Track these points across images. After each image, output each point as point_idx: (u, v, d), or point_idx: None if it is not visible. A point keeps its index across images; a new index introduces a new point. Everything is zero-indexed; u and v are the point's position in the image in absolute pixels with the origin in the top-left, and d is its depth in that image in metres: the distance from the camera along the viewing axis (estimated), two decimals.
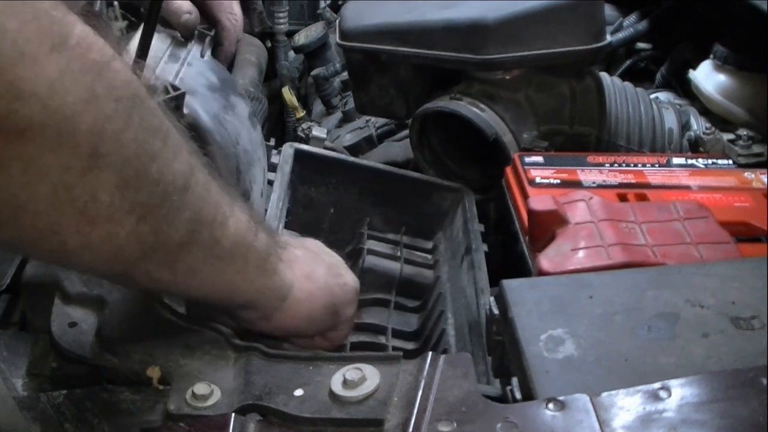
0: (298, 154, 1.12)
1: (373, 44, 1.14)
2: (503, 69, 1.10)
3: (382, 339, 0.99)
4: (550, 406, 0.56)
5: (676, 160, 1.03)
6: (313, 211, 1.14)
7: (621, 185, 0.97)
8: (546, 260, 0.80)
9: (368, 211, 1.14)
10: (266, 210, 1.03)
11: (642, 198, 0.94)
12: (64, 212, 0.54)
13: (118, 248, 0.58)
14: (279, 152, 1.13)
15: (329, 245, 1.02)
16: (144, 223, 0.58)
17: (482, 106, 1.08)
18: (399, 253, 1.09)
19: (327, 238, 1.10)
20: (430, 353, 0.65)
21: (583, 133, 1.14)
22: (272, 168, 1.10)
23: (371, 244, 1.09)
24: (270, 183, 1.08)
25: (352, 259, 1.08)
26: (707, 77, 1.13)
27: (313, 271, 0.79)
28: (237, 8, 1.36)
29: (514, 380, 0.64)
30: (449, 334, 0.94)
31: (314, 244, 0.86)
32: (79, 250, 0.57)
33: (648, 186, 0.97)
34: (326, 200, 1.15)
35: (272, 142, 1.19)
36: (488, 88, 1.11)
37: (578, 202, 0.86)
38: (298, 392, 0.64)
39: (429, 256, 1.10)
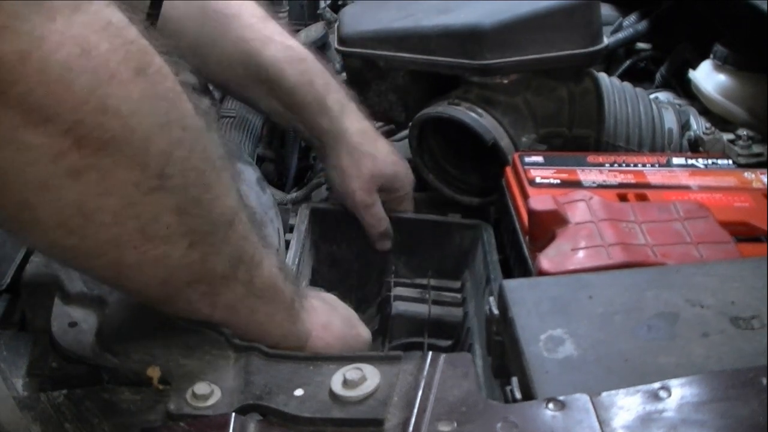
0: (315, 213, 1.14)
1: (371, 50, 1.14)
2: (500, 74, 1.09)
3: None
4: (550, 405, 0.56)
5: (676, 160, 1.03)
6: (339, 268, 1.17)
7: (621, 185, 0.97)
8: (546, 260, 0.80)
9: (392, 260, 1.16)
10: None
11: (642, 198, 0.93)
12: (127, 226, 0.57)
13: (169, 271, 0.63)
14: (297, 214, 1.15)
15: (358, 300, 1.13)
16: (194, 249, 0.62)
17: (480, 110, 1.08)
18: (427, 296, 1.10)
19: (355, 293, 1.16)
20: (430, 353, 0.65)
21: (582, 136, 1.14)
22: (292, 229, 1.11)
23: (398, 291, 1.11)
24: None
25: (381, 308, 1.10)
26: (707, 77, 1.12)
27: (330, 321, 0.84)
28: None
29: (514, 380, 0.64)
30: (478, 365, 0.94)
31: (330, 297, 0.91)
32: (134, 267, 0.61)
33: (648, 186, 0.97)
34: (350, 255, 1.17)
35: (289, 204, 1.21)
36: (486, 93, 1.11)
37: (578, 202, 0.86)
38: (298, 392, 0.64)
39: (458, 295, 1.11)
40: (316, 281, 1.12)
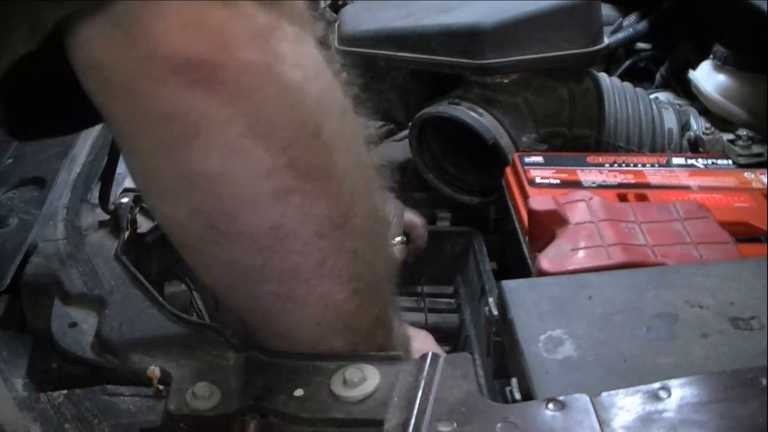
0: None
1: (372, 49, 1.14)
2: (501, 73, 1.09)
3: None
4: (550, 406, 0.56)
5: (675, 160, 1.03)
6: None
7: (621, 185, 0.97)
8: (546, 260, 0.80)
9: None
10: None
11: (642, 198, 0.94)
12: (310, 258, 0.59)
13: (326, 314, 0.63)
14: None
15: None
16: (355, 296, 0.63)
17: (480, 110, 1.08)
18: (422, 305, 1.12)
19: None
20: (430, 353, 0.65)
21: (582, 136, 1.14)
22: None
23: None
24: None
25: None
26: (707, 77, 1.12)
27: None
28: None
29: (514, 381, 0.64)
30: (480, 374, 0.94)
31: (426, 335, 0.93)
32: (299, 302, 0.62)
33: (648, 186, 0.97)
34: None
35: None
36: (486, 93, 1.11)
37: (578, 202, 0.86)
38: (298, 392, 0.64)
39: (452, 301, 1.13)
40: None
